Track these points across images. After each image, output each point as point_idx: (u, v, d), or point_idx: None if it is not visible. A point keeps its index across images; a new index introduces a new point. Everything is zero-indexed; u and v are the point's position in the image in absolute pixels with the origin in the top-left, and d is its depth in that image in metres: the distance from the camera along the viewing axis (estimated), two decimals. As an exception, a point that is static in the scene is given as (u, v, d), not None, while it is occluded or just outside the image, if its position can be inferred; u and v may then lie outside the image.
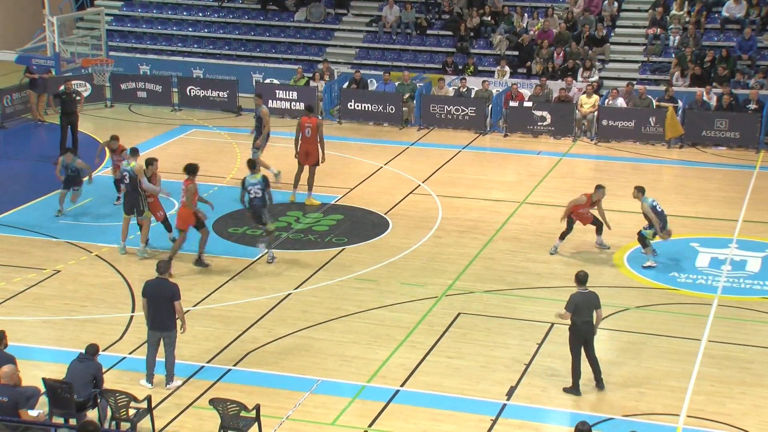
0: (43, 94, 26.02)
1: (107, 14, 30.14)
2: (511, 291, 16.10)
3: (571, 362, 12.95)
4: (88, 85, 27.05)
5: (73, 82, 23.14)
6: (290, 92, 26.62)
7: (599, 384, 13.07)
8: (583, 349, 12.92)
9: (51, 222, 18.66)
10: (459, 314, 15.21)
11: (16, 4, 33.01)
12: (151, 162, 17.20)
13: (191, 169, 16.46)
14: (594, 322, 12.83)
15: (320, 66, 27.56)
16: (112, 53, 27.50)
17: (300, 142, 19.68)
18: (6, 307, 15.07)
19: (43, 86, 25.97)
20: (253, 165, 16.88)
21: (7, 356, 11.50)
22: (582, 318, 12.75)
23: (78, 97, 22.74)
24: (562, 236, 17.40)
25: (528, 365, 13.68)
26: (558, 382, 13.24)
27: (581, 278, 12.87)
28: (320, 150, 19.68)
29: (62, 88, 22.63)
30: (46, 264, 16.68)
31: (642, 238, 16.95)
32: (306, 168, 19.75)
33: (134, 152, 17.27)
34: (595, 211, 17.44)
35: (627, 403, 12.84)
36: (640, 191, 16.91)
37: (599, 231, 17.53)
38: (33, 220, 18.75)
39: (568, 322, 12.85)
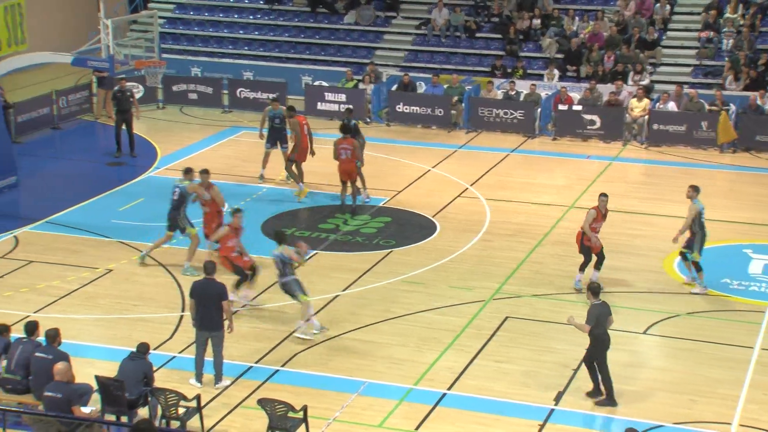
0: (110, 91, 26.49)
1: (160, 17, 30.48)
2: (559, 295, 15.99)
3: (599, 374, 12.70)
4: (140, 86, 27.40)
5: (125, 80, 23.48)
6: (339, 95, 26.70)
7: (611, 400, 12.74)
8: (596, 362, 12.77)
9: (104, 221, 18.92)
10: (507, 318, 15.14)
11: (72, 8, 33.57)
12: (205, 171, 16.74)
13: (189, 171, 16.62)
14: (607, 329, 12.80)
15: (367, 68, 27.62)
16: (164, 55, 27.76)
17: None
18: (60, 305, 15.31)
19: (110, 84, 26.44)
20: (281, 238, 14.63)
21: (62, 353, 11.68)
22: (603, 329, 12.68)
23: (131, 98, 23.07)
24: (582, 268, 16.14)
25: (576, 370, 13.57)
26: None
27: (596, 290, 12.77)
28: (310, 144, 20.32)
29: (117, 87, 23.02)
30: (99, 263, 16.92)
31: (695, 264, 15.98)
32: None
33: (188, 171, 16.65)
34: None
35: (677, 410, 12.68)
36: (695, 191, 15.99)
37: (599, 266, 16.10)
38: (87, 219, 19.03)
39: (585, 332, 12.69)
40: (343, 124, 20.08)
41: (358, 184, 19.79)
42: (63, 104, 26.01)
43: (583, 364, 12.95)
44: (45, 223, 18.77)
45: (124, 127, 22.97)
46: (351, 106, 22.95)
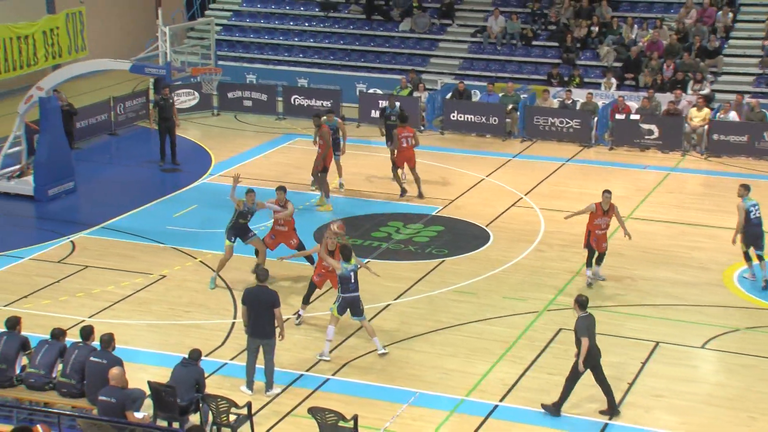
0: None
1: (217, 24, 30.81)
2: (614, 307, 15.80)
3: (567, 384, 12.61)
4: (196, 93, 27.74)
5: (169, 88, 23.77)
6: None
7: (614, 410, 12.62)
8: (593, 374, 12.62)
9: (159, 227, 19.15)
10: (560, 330, 15.00)
11: (130, 15, 34.13)
12: (250, 191, 16.37)
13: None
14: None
15: (409, 75, 27.59)
16: (220, 62, 28.03)
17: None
18: (114, 310, 15.53)
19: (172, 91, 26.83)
20: (348, 253, 14.32)
21: (115, 358, 11.84)
22: (593, 341, 12.56)
23: (173, 105, 23.22)
24: (589, 263, 16.50)
25: (631, 384, 13.39)
26: (663, 403, 12.92)
27: (583, 303, 12.57)
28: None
29: (159, 95, 23.28)
30: (152, 269, 17.13)
31: (759, 258, 16.44)
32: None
33: (249, 192, 16.28)
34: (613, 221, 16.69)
35: (737, 428, 12.44)
36: (745, 189, 16.44)
37: (600, 261, 16.51)
38: (141, 225, 19.29)
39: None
40: (401, 114, 21.40)
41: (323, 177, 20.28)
42: (120, 111, 26.44)
43: (593, 376, 12.75)
44: (101, 229, 19.06)
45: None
46: (388, 103, 23.21)
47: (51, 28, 28.17)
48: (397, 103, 23.48)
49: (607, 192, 16.44)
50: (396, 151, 20.88)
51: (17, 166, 21.31)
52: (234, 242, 16.26)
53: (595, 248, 16.45)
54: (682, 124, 24.54)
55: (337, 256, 14.55)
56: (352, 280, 14.07)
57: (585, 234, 16.56)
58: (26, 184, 20.86)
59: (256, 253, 16.56)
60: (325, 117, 20.84)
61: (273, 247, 16.66)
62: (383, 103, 24.26)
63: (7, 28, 26.69)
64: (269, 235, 16.70)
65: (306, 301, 15.27)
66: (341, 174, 21.27)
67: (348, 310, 14.14)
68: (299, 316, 15.30)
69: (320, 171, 20.18)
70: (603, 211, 16.37)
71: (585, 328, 12.42)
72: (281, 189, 16.65)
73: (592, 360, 12.54)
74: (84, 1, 30.95)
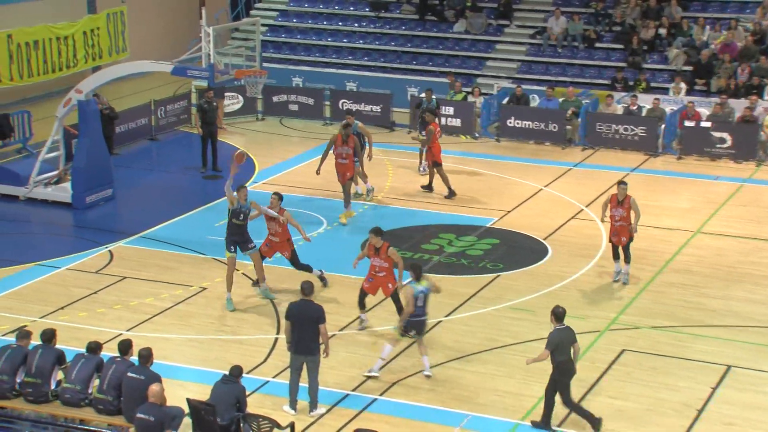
0: (222, 100, 27.17)
1: (262, 24, 31.08)
2: (682, 328, 15.63)
3: (567, 403, 12.72)
4: (240, 97, 28.02)
5: (212, 91, 24.03)
6: (446, 107, 26.74)
7: (547, 426, 12.69)
8: (558, 391, 12.68)
9: (200, 237, 19.36)
10: (623, 351, 14.88)
11: (173, 15, 34.55)
12: (242, 187, 16.24)
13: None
14: (572, 357, 12.69)
15: (448, 77, 27.59)
16: (265, 65, 28.34)
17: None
18: (153, 323, 15.72)
19: (221, 93, 27.10)
20: (419, 272, 14.14)
21: (154, 374, 11.97)
22: (564, 356, 12.60)
23: (218, 109, 23.43)
24: (614, 256, 17.29)
25: (700, 411, 13.23)
26: (737, 431, 12.75)
27: (560, 314, 12.68)
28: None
29: (203, 98, 23.53)
30: (193, 281, 17.31)
31: None
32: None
33: (240, 188, 16.19)
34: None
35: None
36: None
37: (627, 259, 17.19)
38: (182, 235, 19.52)
39: (547, 361, 12.65)
40: (431, 108, 22.45)
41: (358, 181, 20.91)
42: (161, 115, 26.77)
43: (559, 394, 12.83)
44: (140, 238, 19.33)
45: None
46: (425, 96, 24.09)
47: (91, 29, 28.68)
48: (434, 97, 24.03)
49: (622, 183, 17.09)
50: (430, 147, 21.22)
51: (54, 172, 21.68)
52: (234, 252, 16.16)
53: (615, 242, 17.10)
54: (758, 132, 24.22)
55: (384, 255, 14.91)
56: (420, 303, 13.93)
57: (603, 210, 17.37)
58: (64, 191, 21.22)
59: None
60: (356, 122, 20.96)
61: (270, 254, 16.82)
62: (421, 95, 24.55)
63: (46, 28, 27.21)
64: (265, 243, 16.83)
65: (362, 306, 15.44)
66: (366, 180, 21.19)
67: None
68: (362, 321, 15.53)
69: (349, 179, 20.20)
70: (618, 202, 16.95)
71: (555, 343, 12.52)
72: (277, 195, 16.68)
73: (565, 376, 12.61)
74: (125, 0, 31.43)
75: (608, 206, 17.11)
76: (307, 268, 16.83)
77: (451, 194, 21.34)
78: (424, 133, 21.87)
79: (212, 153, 23.33)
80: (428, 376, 14.08)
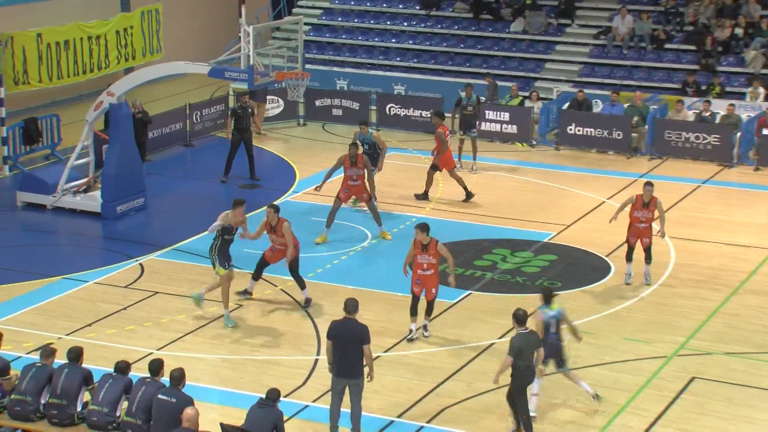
0: (263, 104, 27.34)
1: (305, 23, 31.24)
2: (759, 355, 15.40)
3: (520, 412, 12.79)
4: (280, 101, 28.17)
5: (248, 96, 24.14)
6: (502, 113, 26.68)
7: None
8: (514, 396, 12.81)
9: (236, 251, 19.37)
10: (693, 379, 14.69)
11: (210, 14, 34.86)
12: (238, 204, 16.51)
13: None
14: (533, 363, 12.86)
15: (485, 79, 27.53)
16: (308, 66, 28.49)
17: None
18: (185, 342, 15.80)
19: (262, 97, 27.26)
20: (549, 295, 14.15)
21: (186, 397, 11.99)
22: (525, 362, 12.74)
23: (253, 115, 23.54)
24: (628, 257, 17.74)
25: (777, 446, 13.01)
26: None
27: (521, 317, 12.87)
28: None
29: (238, 102, 23.69)
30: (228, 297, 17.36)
31: None
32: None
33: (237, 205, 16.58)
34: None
35: None
36: None
37: (648, 259, 17.72)
38: (217, 247, 19.59)
39: (508, 369, 12.76)
40: (440, 111, 22.50)
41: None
42: (197, 119, 26.99)
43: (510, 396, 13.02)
44: (172, 251, 19.46)
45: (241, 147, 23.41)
46: (465, 93, 24.58)
47: (125, 28, 29.04)
48: (475, 95, 24.31)
49: (648, 184, 17.54)
50: (438, 152, 21.61)
51: (84, 180, 21.90)
52: (230, 269, 16.36)
53: (632, 244, 17.58)
54: (842, 142, 23.85)
55: (433, 251, 15.49)
56: (553, 329, 13.82)
57: (619, 208, 17.84)
58: (93, 200, 21.44)
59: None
60: (358, 130, 21.03)
61: (274, 260, 17.06)
62: (461, 93, 24.85)
63: (77, 27, 27.58)
64: (270, 249, 17.06)
65: (414, 314, 15.64)
66: (374, 193, 20.94)
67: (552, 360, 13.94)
68: (411, 331, 15.73)
69: (369, 200, 20.23)
70: (643, 204, 17.46)
71: (517, 348, 12.68)
72: (272, 207, 16.82)
73: (520, 381, 12.78)
74: (161, -3, 31.74)
75: (628, 206, 17.61)
76: (301, 283, 16.91)
77: (469, 196, 21.87)
78: (461, 133, 23.51)
79: (248, 161, 23.47)
80: (597, 397, 13.82)
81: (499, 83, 28.91)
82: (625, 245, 17.90)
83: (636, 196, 17.63)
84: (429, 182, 22.07)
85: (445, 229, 20.45)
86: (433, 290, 15.78)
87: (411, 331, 15.84)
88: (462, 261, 18.81)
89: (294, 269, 16.91)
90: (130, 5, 31.13)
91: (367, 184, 20.24)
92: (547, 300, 13.92)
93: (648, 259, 17.76)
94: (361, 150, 20.97)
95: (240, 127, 23.35)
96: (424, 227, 15.59)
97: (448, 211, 21.55)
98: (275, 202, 18.09)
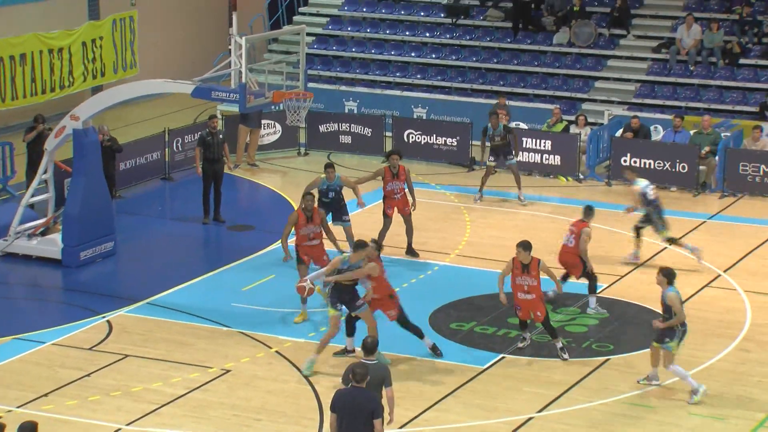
0: (257, 129, 27.48)
1: (308, 33, 31.44)
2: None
3: None
4: (278, 126, 28.35)
5: (218, 119, 24.18)
6: (543, 141, 26.76)
7: None
8: None
9: (223, 305, 19.48)
10: (773, 463, 14.65)
11: (196, 22, 35.05)
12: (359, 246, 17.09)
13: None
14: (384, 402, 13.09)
15: (496, 101, 27.76)
16: (311, 85, 28.64)
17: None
18: (161, 416, 15.82)
19: (257, 120, 27.39)
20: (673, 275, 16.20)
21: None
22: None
23: (223, 143, 23.59)
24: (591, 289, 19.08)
25: None
26: None
27: (368, 346, 13.40)
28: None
29: (206, 129, 23.65)
30: (212, 360, 17.41)
31: None
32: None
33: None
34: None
35: None
36: None
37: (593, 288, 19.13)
38: (200, 301, 19.65)
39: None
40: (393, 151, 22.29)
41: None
42: (177, 148, 27.13)
43: None
44: (147, 305, 19.49)
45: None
46: (490, 123, 24.78)
47: (93, 39, 29.32)
48: (502, 123, 24.70)
49: (521, 245, 17.37)
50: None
51: (41, 221, 22.01)
52: (340, 310, 16.78)
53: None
54: None
55: (535, 272, 17.00)
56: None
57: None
58: (52, 245, 21.53)
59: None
60: (337, 175, 20.95)
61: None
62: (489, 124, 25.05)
63: (35, 37, 27.79)
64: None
65: (524, 327, 17.37)
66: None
67: None
68: (524, 339, 17.51)
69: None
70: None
71: (346, 374, 13.08)
72: (360, 245, 16.96)
73: None
74: (136, 2, 32.05)
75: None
76: (418, 332, 17.29)
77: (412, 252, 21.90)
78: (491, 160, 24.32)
79: (215, 198, 23.46)
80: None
81: (540, 105, 29.09)
82: (691, 302, 17.88)
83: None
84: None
85: (473, 279, 20.51)
86: (539, 313, 17.12)
87: (524, 338, 17.55)
88: (494, 318, 18.82)
89: (403, 320, 17.09)
90: (99, 12, 31.30)
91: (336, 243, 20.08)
92: (671, 281, 15.85)
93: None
94: (328, 198, 20.74)
95: (210, 157, 23.39)
96: (527, 245, 16.94)
97: (477, 258, 21.59)
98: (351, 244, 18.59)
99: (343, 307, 16.91)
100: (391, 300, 17.19)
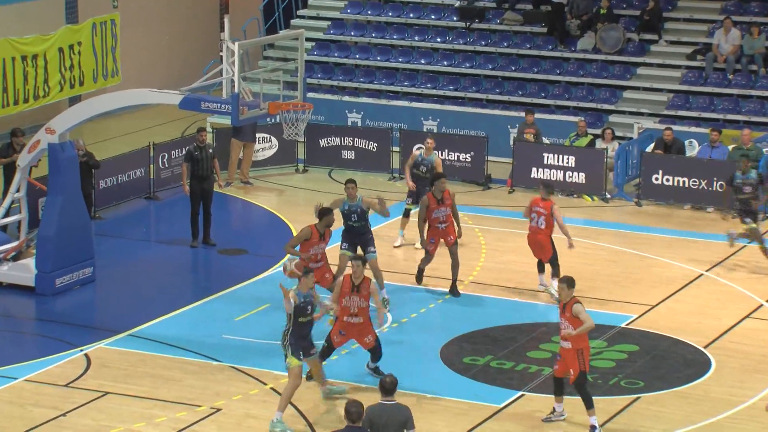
0: (252, 144, 27.49)
1: (308, 39, 31.51)
2: None
3: None
4: (274, 140, 28.37)
5: (208, 132, 24.17)
6: (566, 157, 26.76)
7: None
8: None
9: (212, 337, 19.48)
10: None
11: (185, 26, 35.05)
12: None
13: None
14: None
15: (526, 116, 27.70)
16: (310, 95, 28.71)
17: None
18: (143, 458, 15.85)
19: (252, 133, 27.41)
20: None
21: None
22: None
23: (214, 158, 23.59)
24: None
25: None
26: None
27: (387, 386, 13.29)
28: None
29: (194, 143, 23.64)
30: (201, 398, 17.38)
31: None
32: None
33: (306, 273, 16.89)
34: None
35: None
36: None
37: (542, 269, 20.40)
38: (187, 333, 19.66)
39: None
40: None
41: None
42: (164, 164, 27.18)
43: None
44: (128, 337, 19.48)
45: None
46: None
47: (71, 44, 29.37)
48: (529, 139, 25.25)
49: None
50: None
51: (13, 244, 22.01)
52: (302, 360, 16.52)
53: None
54: None
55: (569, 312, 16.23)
56: None
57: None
58: (25, 270, 21.51)
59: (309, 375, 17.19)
60: (359, 197, 20.47)
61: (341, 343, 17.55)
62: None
63: (7, 43, 27.84)
64: (338, 330, 17.42)
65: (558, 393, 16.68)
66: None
67: None
68: (554, 411, 16.70)
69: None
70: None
71: (367, 419, 12.98)
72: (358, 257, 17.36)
73: None
74: (118, 5, 32.11)
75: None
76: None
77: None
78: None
79: (204, 219, 23.50)
80: None
81: (563, 117, 29.09)
82: (730, 334, 17.83)
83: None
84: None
85: (490, 310, 20.49)
86: (571, 371, 16.48)
87: (554, 410, 16.68)
88: (512, 351, 18.82)
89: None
90: (77, 15, 31.32)
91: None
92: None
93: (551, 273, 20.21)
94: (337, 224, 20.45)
95: (199, 174, 23.43)
96: (571, 282, 16.34)
97: (493, 286, 21.57)
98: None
99: (304, 361, 16.60)
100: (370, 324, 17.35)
